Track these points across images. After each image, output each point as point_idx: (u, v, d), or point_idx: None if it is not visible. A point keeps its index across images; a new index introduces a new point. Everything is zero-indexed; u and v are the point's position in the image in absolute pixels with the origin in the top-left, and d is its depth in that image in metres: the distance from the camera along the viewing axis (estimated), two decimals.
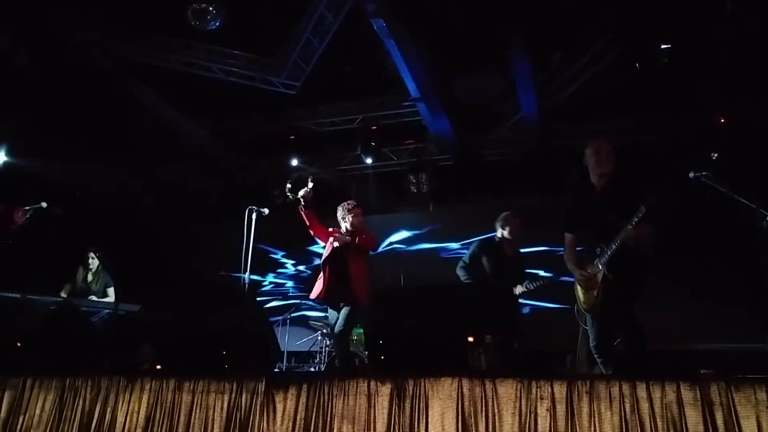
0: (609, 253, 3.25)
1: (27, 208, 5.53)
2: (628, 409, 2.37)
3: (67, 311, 4.21)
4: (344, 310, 4.40)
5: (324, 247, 4.88)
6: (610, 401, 2.42)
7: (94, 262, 6.15)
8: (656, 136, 7.92)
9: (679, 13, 6.16)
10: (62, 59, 6.65)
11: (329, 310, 4.66)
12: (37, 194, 5.92)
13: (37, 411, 3.21)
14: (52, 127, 7.55)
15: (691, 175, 3.63)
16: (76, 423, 3.11)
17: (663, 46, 6.14)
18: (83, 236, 7.01)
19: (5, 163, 7.80)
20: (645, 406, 2.35)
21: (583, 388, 2.49)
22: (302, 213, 4.61)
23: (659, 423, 2.31)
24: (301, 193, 4.59)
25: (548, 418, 2.49)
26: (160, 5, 6.50)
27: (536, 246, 8.26)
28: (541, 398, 2.54)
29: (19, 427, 3.20)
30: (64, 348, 3.67)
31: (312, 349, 7.56)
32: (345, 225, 4.80)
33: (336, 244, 4.63)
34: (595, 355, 3.43)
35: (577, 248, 3.63)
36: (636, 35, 6.40)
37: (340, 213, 4.86)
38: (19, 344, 3.59)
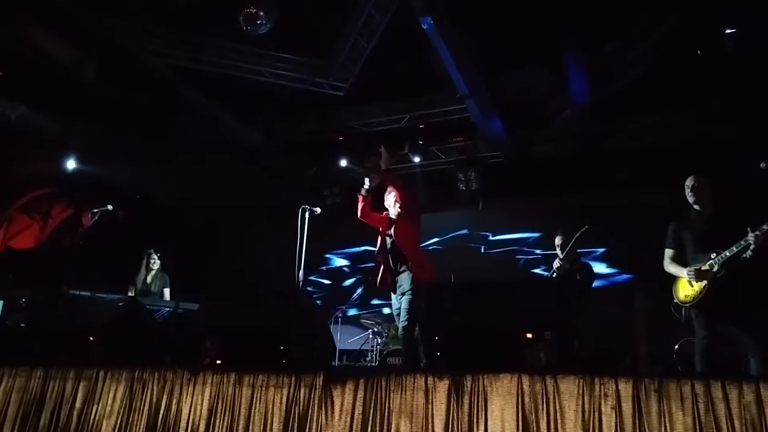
0: (728, 254, 3.59)
1: (95, 210, 5.81)
2: (702, 410, 2.25)
3: (133, 308, 4.40)
4: (404, 303, 4.31)
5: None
6: (682, 401, 2.31)
7: (155, 263, 6.39)
8: (718, 127, 7.54)
9: None
10: (125, 69, 6.96)
11: (392, 300, 4.57)
12: (102, 198, 6.23)
13: (109, 401, 3.37)
14: (115, 133, 7.93)
15: (763, 165, 3.60)
16: (144, 413, 3.25)
17: (728, 31, 5.80)
18: (144, 238, 7.31)
19: (74, 170, 8.27)
20: (721, 407, 2.23)
21: (651, 386, 2.39)
22: (360, 198, 4.57)
23: (737, 424, 2.19)
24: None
25: (614, 416, 2.41)
26: (210, 11, 6.71)
27: (591, 247, 8.08)
28: (605, 396, 2.46)
29: (92, 416, 3.37)
30: (132, 342, 3.84)
31: (363, 347, 7.61)
32: (390, 205, 4.73)
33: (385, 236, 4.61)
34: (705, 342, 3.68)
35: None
36: (698, 20, 6.09)
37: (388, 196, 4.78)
38: (91, 338, 3.78)
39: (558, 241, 5.83)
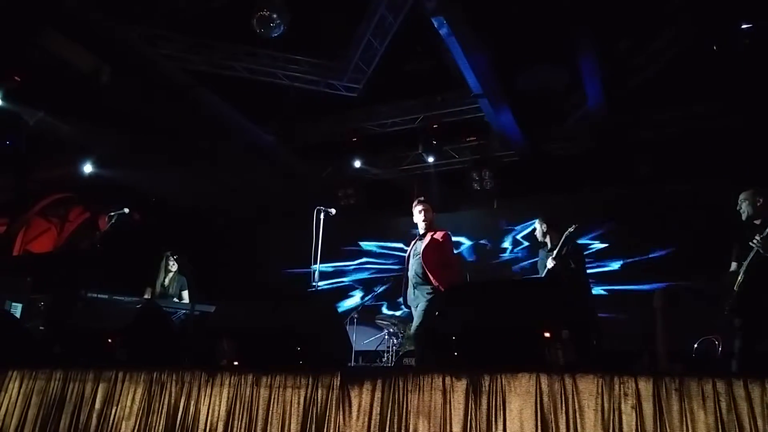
0: (747, 260, 3.90)
1: (111, 214, 5.88)
2: (724, 408, 2.22)
3: (150, 310, 4.44)
4: (421, 306, 4.35)
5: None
6: (703, 399, 2.28)
7: (173, 266, 6.44)
8: (730, 122, 7.43)
9: None
10: (140, 73, 7.03)
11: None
12: (118, 202, 6.30)
13: (128, 402, 3.40)
14: (131, 137, 8.02)
15: None
16: (163, 414, 3.27)
17: (743, 26, 5.71)
18: (159, 240, 7.38)
19: (91, 174, 8.38)
20: (743, 405, 2.19)
21: (672, 385, 2.36)
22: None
23: (760, 423, 2.15)
24: None
25: (634, 415, 2.38)
26: (223, 15, 6.76)
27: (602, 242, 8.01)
28: (625, 395, 2.43)
29: (112, 417, 3.40)
30: (150, 344, 3.88)
31: (379, 348, 7.60)
32: (419, 222, 4.78)
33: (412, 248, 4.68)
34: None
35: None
36: (712, 15, 6.00)
37: (414, 213, 4.83)
38: (110, 341, 3.82)
39: (538, 224, 5.57)
